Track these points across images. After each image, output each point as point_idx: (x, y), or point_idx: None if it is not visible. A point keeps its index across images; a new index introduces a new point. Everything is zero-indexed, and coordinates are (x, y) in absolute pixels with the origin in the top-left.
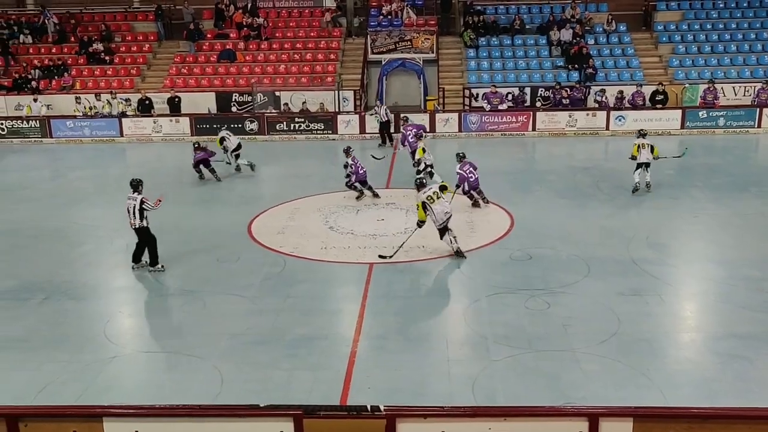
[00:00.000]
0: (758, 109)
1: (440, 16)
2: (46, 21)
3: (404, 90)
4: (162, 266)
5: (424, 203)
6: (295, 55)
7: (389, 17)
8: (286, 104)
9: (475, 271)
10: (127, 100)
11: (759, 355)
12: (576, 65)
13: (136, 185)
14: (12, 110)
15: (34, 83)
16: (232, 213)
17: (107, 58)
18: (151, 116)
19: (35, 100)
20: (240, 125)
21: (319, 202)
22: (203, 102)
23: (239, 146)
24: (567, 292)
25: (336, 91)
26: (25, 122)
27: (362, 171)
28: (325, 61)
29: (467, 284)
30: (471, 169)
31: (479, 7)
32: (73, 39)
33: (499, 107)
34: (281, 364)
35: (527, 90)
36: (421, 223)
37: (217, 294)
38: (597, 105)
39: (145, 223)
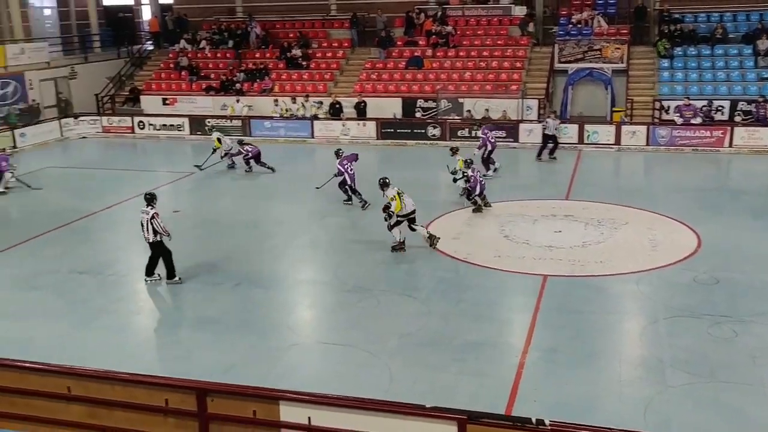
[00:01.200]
0: None
1: (633, 24)
2: (250, 29)
3: (590, 100)
4: (179, 278)
5: (399, 194)
6: (481, 63)
7: (579, 26)
8: (469, 111)
9: (654, 291)
10: (320, 102)
11: None
12: None
13: (149, 199)
14: (218, 110)
15: (238, 85)
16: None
17: (304, 63)
18: (341, 119)
19: (237, 101)
20: (423, 130)
21: (496, 209)
22: (389, 107)
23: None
24: (759, 321)
25: (520, 100)
26: (228, 121)
27: (352, 172)
28: (511, 69)
29: (645, 304)
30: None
31: (677, 15)
32: (273, 45)
33: (692, 121)
34: (449, 367)
35: (725, 104)
36: (392, 213)
37: (391, 293)
38: None
39: (158, 238)
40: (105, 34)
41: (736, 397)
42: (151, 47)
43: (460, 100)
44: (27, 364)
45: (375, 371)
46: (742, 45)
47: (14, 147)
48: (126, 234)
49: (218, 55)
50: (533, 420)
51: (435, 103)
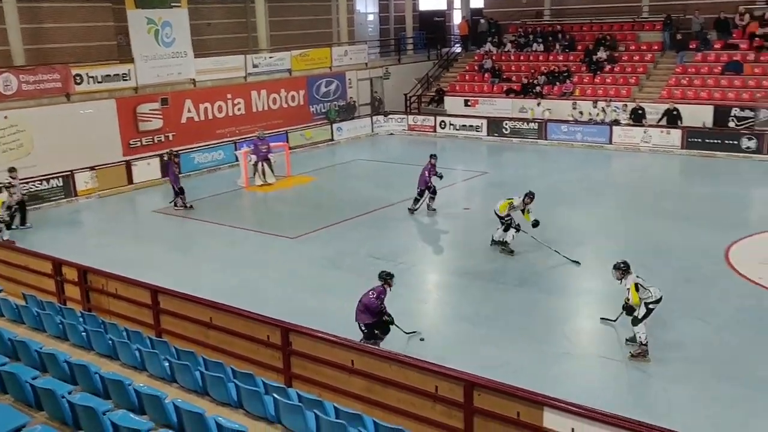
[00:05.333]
0: None
1: None
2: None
3: None
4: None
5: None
6: None
7: None
8: None
9: None
10: (625, 105)
11: None
12: None
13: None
14: (517, 112)
15: (538, 88)
16: (711, 233)
17: (609, 66)
18: (642, 126)
19: (538, 104)
20: (735, 142)
21: None
22: (698, 115)
23: None
24: None
25: None
26: (525, 123)
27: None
28: None
29: None
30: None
31: None
32: (579, 48)
33: None
34: (739, 403)
35: None
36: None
37: (681, 315)
38: None
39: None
40: (418, 37)
41: None
42: (458, 50)
43: None
44: (320, 334)
45: (651, 393)
46: None
47: (332, 140)
48: (418, 225)
49: (521, 57)
50: None
51: (753, 112)
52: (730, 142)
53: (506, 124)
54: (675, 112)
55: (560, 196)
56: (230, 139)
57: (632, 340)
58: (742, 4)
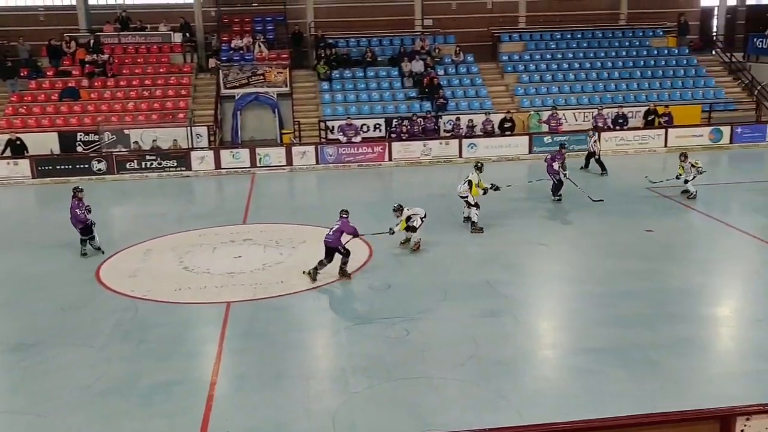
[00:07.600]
0: (597, 133)
1: (292, 49)
2: None
3: (259, 124)
4: None
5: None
6: (144, 92)
7: (240, 52)
8: (136, 142)
9: (334, 304)
10: None
11: (610, 368)
12: (428, 95)
13: None
14: None
15: None
16: (78, 257)
17: None
18: None
19: None
20: (87, 165)
21: (173, 241)
22: (45, 142)
23: None
24: (425, 318)
25: (188, 127)
26: None
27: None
28: (176, 97)
29: (326, 317)
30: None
31: (331, 41)
32: None
33: (354, 139)
34: (135, 413)
35: (381, 121)
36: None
37: (61, 345)
38: (449, 134)
39: None
40: None
41: (410, 392)
42: None
43: (126, 131)
44: None
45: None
46: (389, 67)
47: None
48: None
49: None
50: None
51: (98, 136)
52: (82, 166)
53: None
54: (19, 142)
55: None
56: None
57: None
58: (67, 32)
